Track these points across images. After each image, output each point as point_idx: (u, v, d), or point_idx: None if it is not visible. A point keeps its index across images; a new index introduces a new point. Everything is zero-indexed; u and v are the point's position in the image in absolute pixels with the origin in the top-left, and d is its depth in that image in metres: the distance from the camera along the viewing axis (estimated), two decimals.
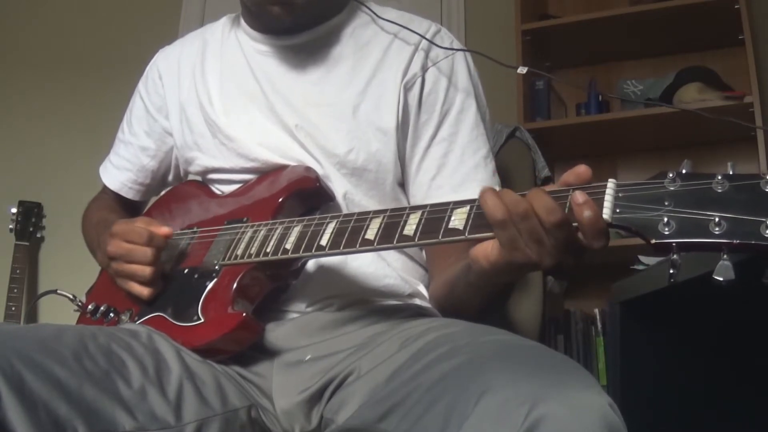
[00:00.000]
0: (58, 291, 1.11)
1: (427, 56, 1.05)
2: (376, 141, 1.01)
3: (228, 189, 1.08)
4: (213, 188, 1.11)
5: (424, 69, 1.04)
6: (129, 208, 1.23)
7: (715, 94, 2.19)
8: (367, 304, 0.98)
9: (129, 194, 1.20)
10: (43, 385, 0.72)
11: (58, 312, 1.37)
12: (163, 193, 1.21)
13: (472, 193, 0.88)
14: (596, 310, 2.30)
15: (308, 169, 1.00)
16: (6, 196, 2.70)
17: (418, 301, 1.02)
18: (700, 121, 2.24)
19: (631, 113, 2.31)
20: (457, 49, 1.07)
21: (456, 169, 1.02)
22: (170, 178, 1.20)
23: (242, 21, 1.13)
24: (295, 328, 0.95)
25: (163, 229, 0.96)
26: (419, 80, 1.03)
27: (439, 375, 0.70)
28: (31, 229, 2.62)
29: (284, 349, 0.93)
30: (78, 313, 1.08)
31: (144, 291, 0.96)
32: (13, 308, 2.41)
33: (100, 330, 0.87)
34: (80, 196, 3.02)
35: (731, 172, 0.60)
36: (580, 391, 0.60)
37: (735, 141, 2.29)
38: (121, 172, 1.20)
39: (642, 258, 1.69)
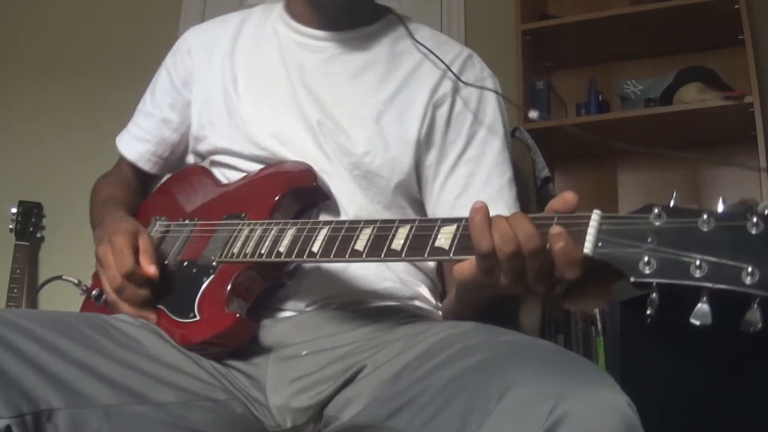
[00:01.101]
0: (63, 277, 1.12)
1: (458, 78, 1.06)
2: (394, 149, 1.02)
3: (232, 174, 1.08)
4: (220, 174, 1.11)
5: (455, 90, 1.05)
6: (142, 181, 1.23)
7: (715, 94, 2.19)
8: (365, 304, 0.98)
9: (146, 166, 1.20)
10: (13, 359, 0.72)
11: (60, 301, 1.37)
12: (166, 177, 1.22)
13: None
14: (596, 310, 2.30)
15: (307, 167, 1.00)
16: (6, 196, 2.69)
17: (417, 303, 1.02)
18: (700, 121, 2.24)
19: (631, 113, 2.31)
20: (476, 88, 1.08)
21: (482, 189, 1.03)
22: (189, 156, 1.19)
23: (284, 10, 1.13)
24: (293, 325, 0.96)
25: (150, 269, 0.92)
26: (449, 100, 1.05)
27: (453, 374, 0.71)
28: (31, 229, 2.61)
29: (280, 344, 0.93)
30: (83, 298, 1.09)
31: (109, 296, 0.95)
32: (13, 308, 2.41)
33: (87, 317, 0.88)
34: (80, 196, 3.01)
35: (720, 210, 0.59)
36: (600, 390, 0.62)
37: (735, 141, 2.29)
38: (140, 143, 1.20)
39: None
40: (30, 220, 2.62)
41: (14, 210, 2.62)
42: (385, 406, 0.77)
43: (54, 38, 2.96)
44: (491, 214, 0.97)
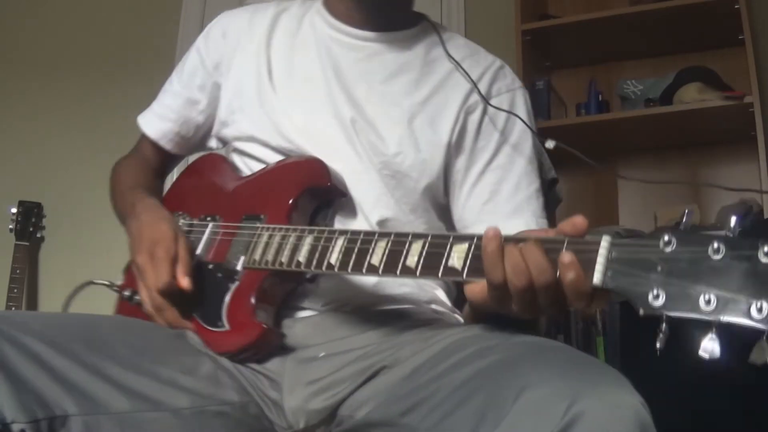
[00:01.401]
0: (94, 281, 1.12)
1: (491, 87, 1.08)
2: (425, 151, 1.03)
3: (255, 164, 1.08)
4: (241, 162, 1.11)
5: (488, 97, 1.07)
6: (163, 162, 1.23)
7: (715, 94, 2.19)
8: (382, 306, 0.99)
9: (168, 145, 1.20)
10: (29, 365, 0.73)
11: (91, 305, 1.36)
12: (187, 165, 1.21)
13: (525, 223, 0.99)
14: (596, 310, 2.30)
15: (320, 163, 1.00)
16: (6, 196, 2.69)
17: (434, 306, 1.03)
18: (700, 121, 2.24)
19: (631, 113, 2.31)
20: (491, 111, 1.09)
21: (510, 197, 1.04)
22: (210, 140, 1.19)
23: (323, 6, 1.14)
24: (310, 325, 0.96)
25: (184, 282, 0.92)
26: (481, 107, 1.06)
27: (468, 374, 0.72)
28: (31, 229, 2.61)
29: (298, 345, 0.94)
30: (113, 299, 1.09)
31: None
32: (13, 308, 2.41)
33: (107, 319, 0.89)
34: (80, 196, 3.03)
35: (731, 234, 0.58)
36: (616, 390, 0.63)
37: (735, 141, 2.29)
38: (163, 122, 1.19)
39: None
40: (30, 220, 2.62)
41: (14, 210, 2.62)
42: (400, 404, 0.78)
43: (54, 38, 2.96)
44: (518, 221, 1.00)
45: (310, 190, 0.99)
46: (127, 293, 1.03)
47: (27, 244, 2.58)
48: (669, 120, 2.26)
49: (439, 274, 0.74)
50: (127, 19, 2.94)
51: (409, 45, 1.10)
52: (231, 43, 1.14)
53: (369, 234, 0.83)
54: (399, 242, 0.79)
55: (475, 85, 1.06)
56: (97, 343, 0.82)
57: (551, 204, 1.21)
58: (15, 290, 2.44)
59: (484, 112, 1.06)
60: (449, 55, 1.08)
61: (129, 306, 1.04)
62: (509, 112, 1.06)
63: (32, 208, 2.65)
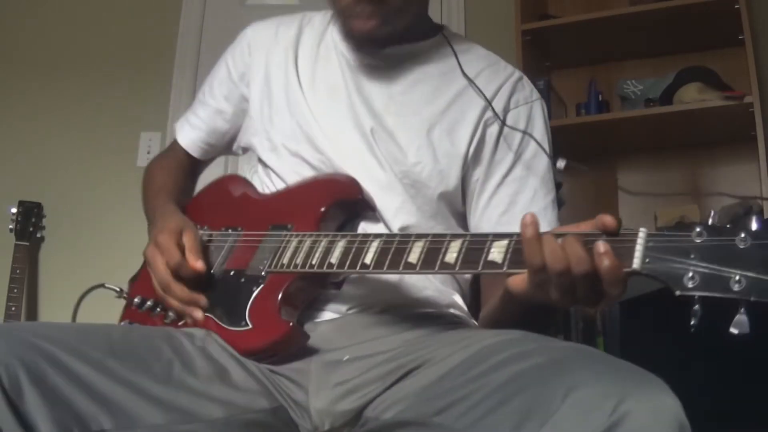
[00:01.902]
0: (106, 285, 1.12)
1: (509, 99, 1.09)
2: (443, 162, 1.04)
3: (278, 180, 1.10)
4: (264, 175, 1.13)
5: (506, 111, 1.08)
6: (192, 166, 1.28)
7: (715, 94, 2.19)
8: (405, 310, 1.00)
9: (196, 153, 1.25)
10: (67, 383, 0.74)
11: (99, 309, 1.36)
12: (207, 184, 1.25)
13: None
14: (596, 310, 2.30)
15: (351, 179, 1.03)
16: (6, 196, 2.69)
17: (453, 311, 1.05)
18: (700, 121, 2.25)
19: (631, 113, 2.32)
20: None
21: (526, 209, 1.05)
22: (235, 146, 1.24)
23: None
24: (334, 328, 0.97)
25: (197, 264, 0.96)
26: (499, 120, 1.07)
27: (511, 374, 0.73)
28: (31, 229, 2.61)
29: (323, 348, 0.95)
30: (120, 303, 1.09)
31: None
32: (13, 308, 2.41)
33: (132, 330, 0.90)
34: (80, 196, 3.03)
35: (755, 226, 0.64)
36: (659, 393, 0.66)
37: (735, 141, 2.29)
38: (194, 131, 1.24)
39: None
40: (30, 220, 2.62)
41: (14, 210, 2.62)
42: (433, 403, 0.79)
43: (54, 38, 2.96)
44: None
45: (341, 203, 1.01)
46: (137, 300, 1.03)
47: (27, 244, 2.58)
48: (669, 120, 2.26)
49: (479, 267, 0.78)
50: (127, 19, 2.94)
51: (428, 56, 1.12)
52: (256, 54, 1.17)
53: (406, 236, 0.86)
54: (437, 241, 0.82)
55: (489, 102, 1.07)
56: (129, 355, 0.83)
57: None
58: (15, 290, 2.44)
59: (502, 125, 1.08)
60: (463, 73, 1.09)
61: (138, 313, 1.04)
62: (524, 132, 1.08)
63: (32, 208, 2.65)
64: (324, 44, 1.15)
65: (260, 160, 1.16)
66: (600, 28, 2.37)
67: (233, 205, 1.13)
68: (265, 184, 1.13)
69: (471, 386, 0.76)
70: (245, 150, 1.24)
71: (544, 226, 1.01)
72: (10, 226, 2.60)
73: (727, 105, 2.14)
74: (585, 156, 2.52)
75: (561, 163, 1.09)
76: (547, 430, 0.65)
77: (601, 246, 0.70)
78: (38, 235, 2.68)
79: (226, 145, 1.25)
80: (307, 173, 1.07)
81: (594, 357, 0.74)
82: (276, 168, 1.11)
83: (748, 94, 2.12)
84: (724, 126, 2.26)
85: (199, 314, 0.96)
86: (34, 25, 2.99)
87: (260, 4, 2.68)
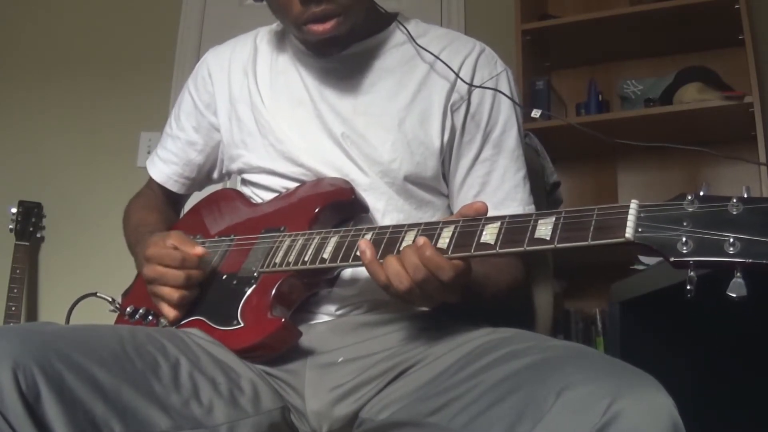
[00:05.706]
0: (98, 294, 1.11)
1: (472, 77, 1.07)
2: (419, 154, 1.04)
3: (265, 194, 1.10)
4: (250, 192, 1.13)
5: (470, 90, 1.07)
6: (172, 200, 1.26)
7: (715, 94, 2.19)
8: (395, 310, 1.00)
9: (174, 187, 1.23)
10: (82, 386, 0.74)
11: (91, 317, 1.37)
12: (199, 200, 1.23)
13: (512, 211, 1.00)
14: (596, 310, 2.30)
15: (345, 182, 1.03)
16: (6, 196, 2.70)
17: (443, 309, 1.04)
18: (700, 121, 2.24)
19: (631, 113, 2.32)
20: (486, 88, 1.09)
21: (498, 187, 1.07)
22: (215, 175, 1.23)
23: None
24: (327, 330, 0.98)
25: (197, 249, 0.97)
26: (465, 102, 1.06)
27: (506, 373, 0.73)
28: (31, 229, 2.62)
29: (317, 350, 0.95)
30: (114, 315, 1.10)
31: (170, 313, 0.98)
32: (13, 308, 2.41)
33: (138, 330, 0.89)
34: (80, 196, 3.03)
35: (745, 195, 0.64)
36: (653, 392, 0.65)
37: (735, 141, 2.29)
38: (167, 165, 1.22)
39: (642, 258, 1.69)
40: (30, 220, 2.62)
41: (14, 210, 2.62)
42: (427, 403, 0.79)
43: (54, 38, 2.96)
44: (507, 210, 1.03)
45: (334, 204, 1.01)
46: (129, 309, 1.03)
47: (27, 244, 2.58)
48: (669, 120, 2.26)
49: (472, 250, 0.78)
50: (126, 20, 2.94)
51: (385, 48, 1.10)
52: (218, 80, 1.16)
53: (398, 226, 0.86)
54: (430, 229, 0.83)
55: (458, 75, 1.05)
56: (141, 359, 0.82)
57: (553, 207, 1.21)
58: (15, 290, 2.44)
59: (468, 107, 1.06)
60: (421, 47, 1.07)
61: (130, 323, 1.03)
62: (490, 110, 1.07)
63: (32, 208, 2.65)
64: (281, 58, 1.13)
65: (244, 181, 1.15)
66: (600, 28, 2.37)
67: (226, 215, 1.13)
68: (254, 199, 1.13)
69: (465, 386, 0.76)
70: (228, 175, 1.22)
71: (515, 206, 1.05)
72: (10, 226, 2.60)
73: (727, 105, 2.14)
74: (585, 155, 2.53)
75: (536, 113, 1.09)
76: (541, 429, 0.64)
77: (420, 240, 0.77)
78: (38, 235, 2.69)
79: (205, 175, 1.23)
80: (292, 187, 1.07)
81: (587, 356, 0.74)
82: (259, 187, 1.10)
83: (748, 94, 2.11)
84: (724, 126, 2.26)
85: (171, 314, 0.97)
86: (34, 26, 2.99)
87: (240, 35, 2.68)
